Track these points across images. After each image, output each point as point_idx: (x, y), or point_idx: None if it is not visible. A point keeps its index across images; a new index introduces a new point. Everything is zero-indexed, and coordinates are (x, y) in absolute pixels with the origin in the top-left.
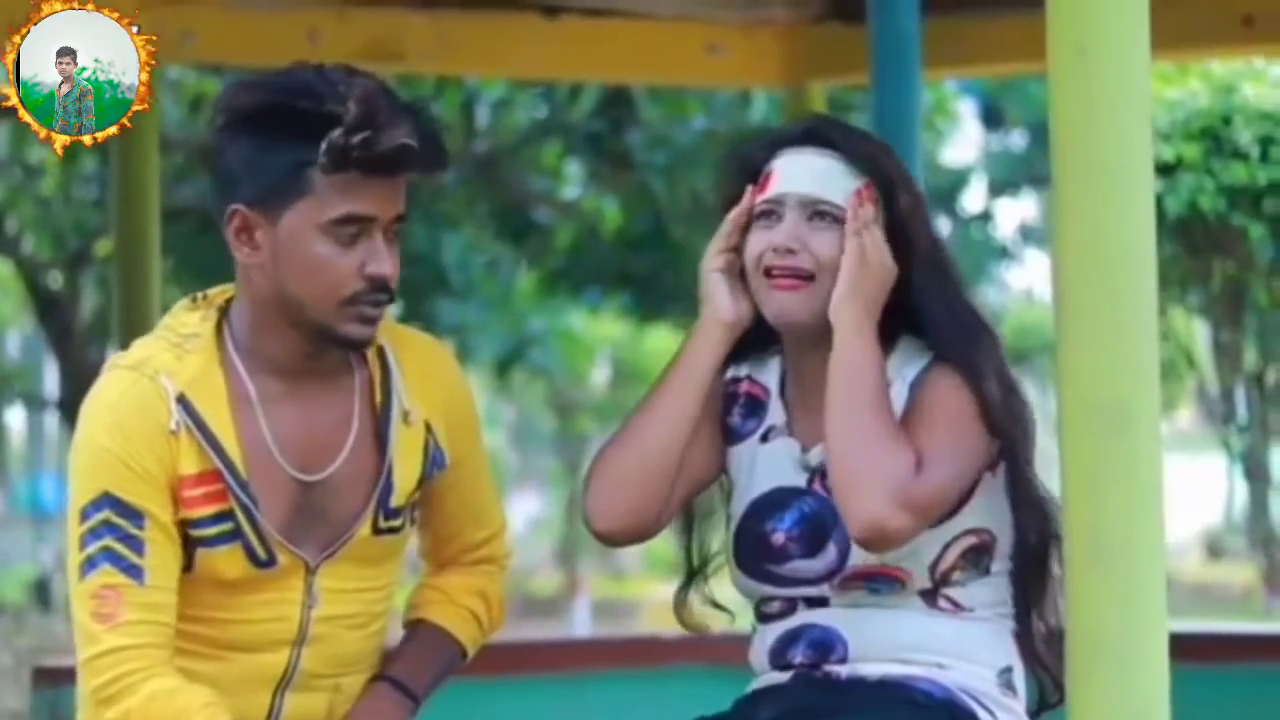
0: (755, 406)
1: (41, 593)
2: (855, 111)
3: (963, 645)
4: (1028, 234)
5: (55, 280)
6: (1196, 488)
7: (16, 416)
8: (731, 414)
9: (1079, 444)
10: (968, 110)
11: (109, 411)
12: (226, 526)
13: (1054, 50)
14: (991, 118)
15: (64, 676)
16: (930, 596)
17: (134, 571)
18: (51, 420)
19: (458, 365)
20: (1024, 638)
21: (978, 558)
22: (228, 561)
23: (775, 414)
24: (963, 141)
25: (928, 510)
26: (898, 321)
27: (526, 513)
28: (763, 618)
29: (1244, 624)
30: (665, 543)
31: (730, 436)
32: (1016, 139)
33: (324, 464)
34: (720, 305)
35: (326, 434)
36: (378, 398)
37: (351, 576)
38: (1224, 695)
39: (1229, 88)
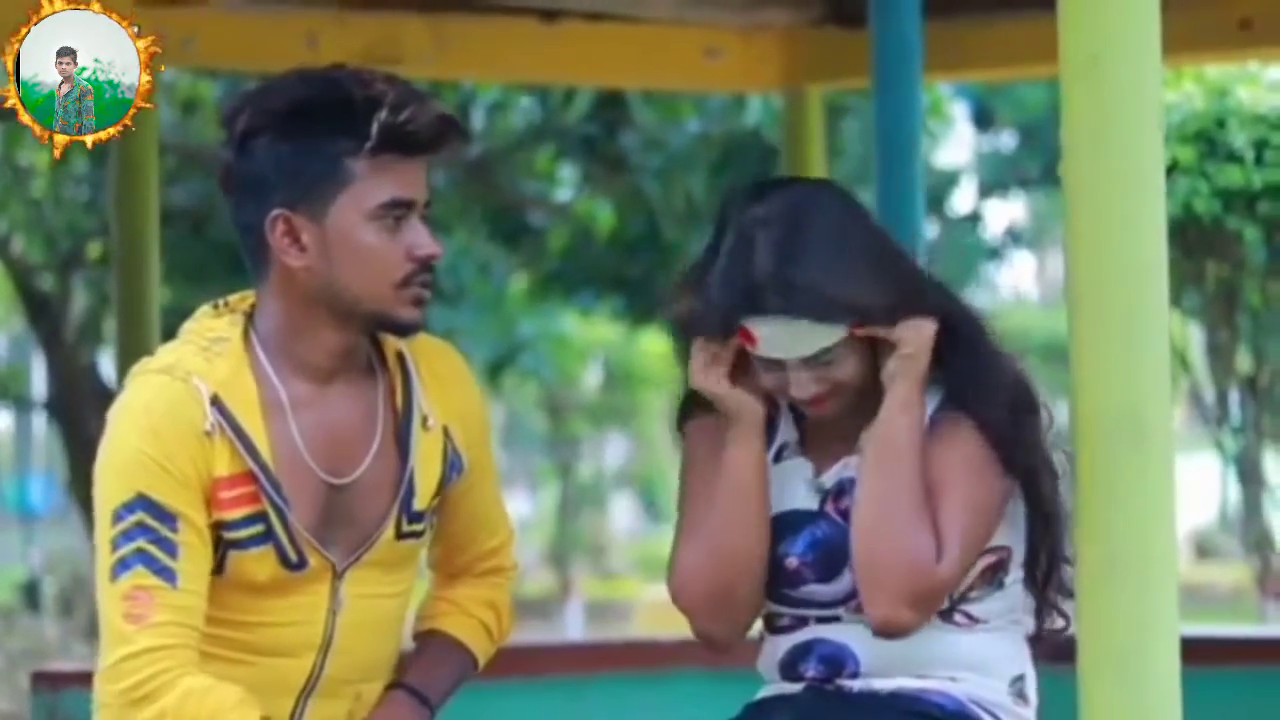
0: (767, 424)
1: (31, 595)
2: (852, 115)
3: (976, 658)
4: (1016, 235)
5: (46, 282)
6: (1188, 489)
7: (4, 418)
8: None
9: (1092, 456)
10: (959, 112)
11: (143, 415)
12: (258, 529)
13: (1067, 59)
14: (981, 119)
15: (63, 680)
16: (946, 613)
17: (166, 574)
18: (40, 422)
19: (469, 370)
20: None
21: (993, 574)
22: (259, 564)
23: (786, 431)
24: (953, 143)
25: (943, 595)
26: None
27: (517, 514)
28: (772, 629)
29: (1245, 627)
30: (659, 542)
31: None
32: (1006, 140)
33: (350, 467)
34: (749, 410)
35: (352, 437)
36: (399, 402)
37: (374, 582)
38: (1228, 698)
39: (1223, 91)
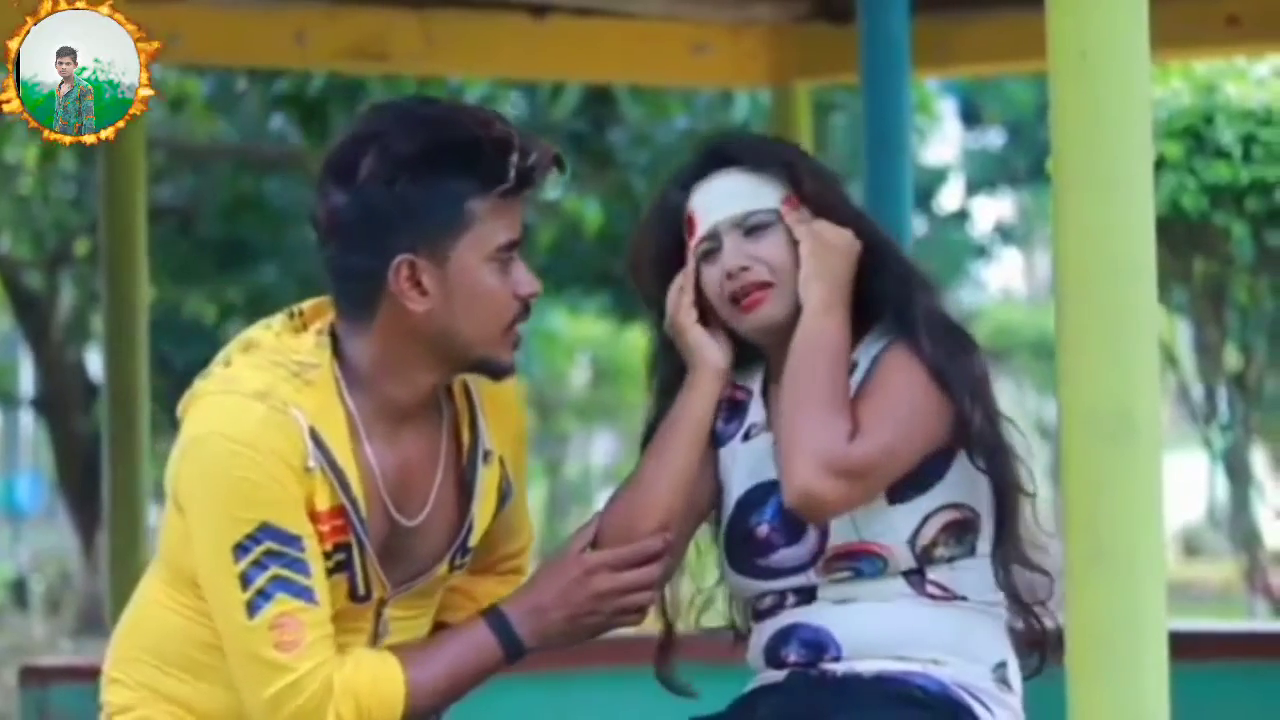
0: (737, 408)
1: (18, 592)
2: (838, 111)
3: (957, 640)
4: (1005, 233)
5: (33, 279)
6: (1176, 486)
7: None
8: (715, 420)
9: (1080, 449)
10: (947, 109)
11: (244, 444)
12: (340, 559)
13: (1056, 54)
14: (969, 116)
15: (53, 675)
16: (917, 580)
17: (306, 594)
18: (28, 419)
19: (518, 392)
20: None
21: (961, 534)
22: (331, 595)
23: (756, 413)
24: (941, 140)
25: (860, 476)
26: (867, 311)
27: None
28: (756, 615)
29: (1234, 622)
30: None
31: (715, 441)
32: (994, 138)
33: (416, 506)
34: (711, 356)
35: (419, 476)
36: (465, 438)
37: (415, 606)
38: (1216, 693)
39: (1210, 86)
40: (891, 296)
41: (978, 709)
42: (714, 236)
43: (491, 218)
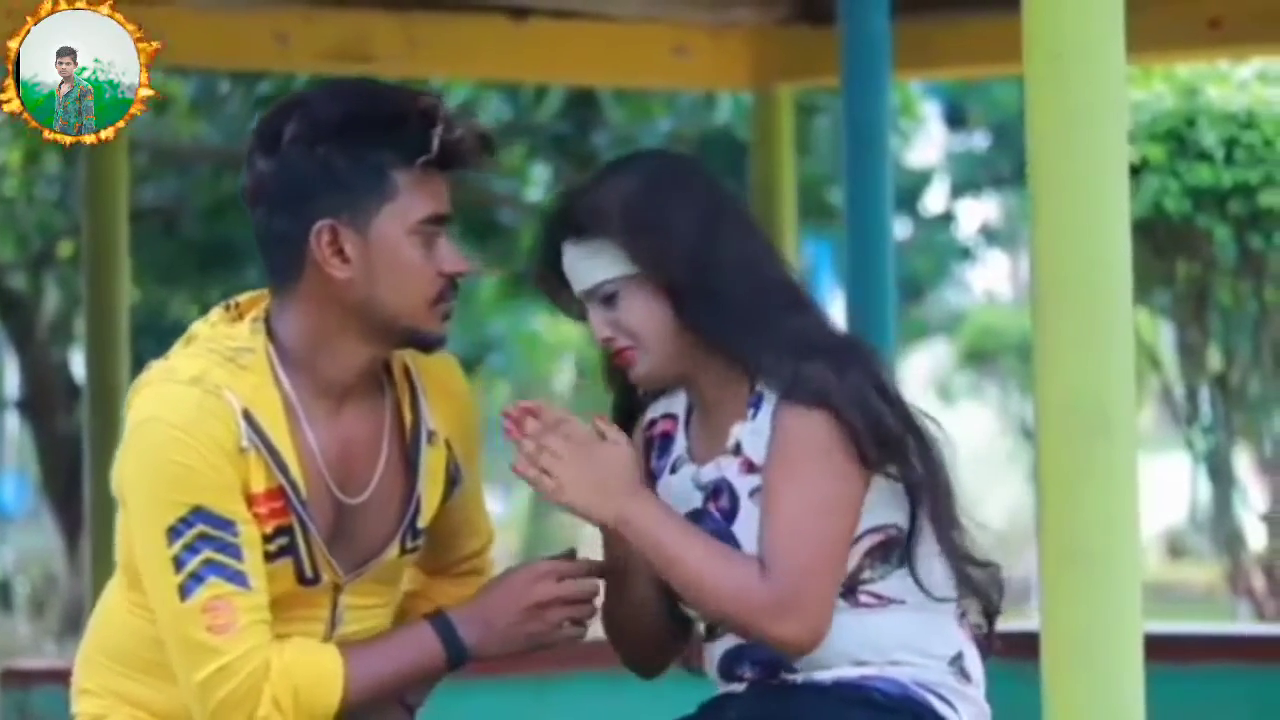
0: (667, 443)
1: (3, 594)
2: (820, 113)
3: (907, 639)
4: (990, 235)
5: (17, 280)
6: (1158, 488)
7: None
8: (650, 459)
9: (1056, 448)
10: (931, 111)
11: (177, 428)
12: (283, 542)
13: (1030, 56)
14: (954, 119)
15: (34, 678)
16: (850, 596)
17: (239, 578)
18: (12, 421)
19: (465, 378)
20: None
21: (888, 553)
22: (275, 578)
23: (680, 444)
24: (925, 142)
25: (811, 598)
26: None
27: (490, 513)
28: (706, 632)
29: (1214, 624)
30: None
31: (651, 479)
32: (979, 140)
33: (360, 485)
34: (597, 521)
35: (362, 455)
36: (407, 419)
37: (371, 594)
38: (1193, 695)
39: (1193, 89)
40: (760, 359)
41: (940, 707)
42: (582, 303)
43: (414, 189)
